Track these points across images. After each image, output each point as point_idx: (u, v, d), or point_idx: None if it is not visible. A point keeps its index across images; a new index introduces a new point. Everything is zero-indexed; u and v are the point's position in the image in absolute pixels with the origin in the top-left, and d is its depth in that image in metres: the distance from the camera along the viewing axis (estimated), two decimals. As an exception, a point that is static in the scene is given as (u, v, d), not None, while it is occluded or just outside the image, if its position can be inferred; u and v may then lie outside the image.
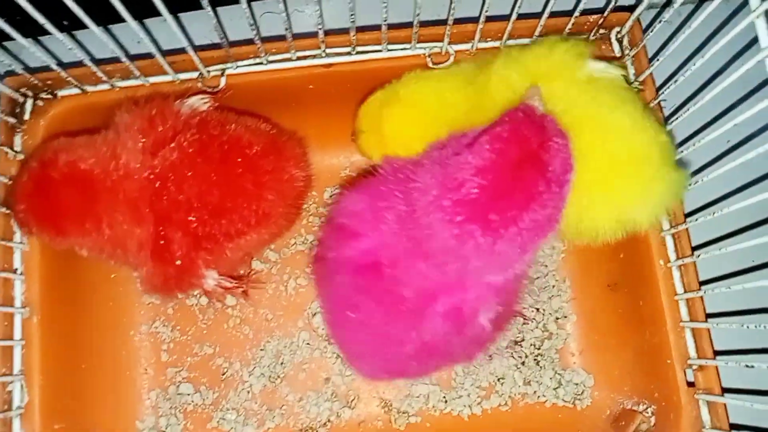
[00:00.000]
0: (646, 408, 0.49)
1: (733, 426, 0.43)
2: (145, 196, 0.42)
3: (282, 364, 0.53)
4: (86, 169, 0.42)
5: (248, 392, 0.52)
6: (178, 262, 0.42)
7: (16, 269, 0.46)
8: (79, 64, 0.46)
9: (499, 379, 0.53)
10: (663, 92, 0.45)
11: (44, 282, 0.47)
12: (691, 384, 0.45)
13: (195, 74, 0.48)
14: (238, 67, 0.48)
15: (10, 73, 0.47)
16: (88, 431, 0.49)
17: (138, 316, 0.53)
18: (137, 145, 0.42)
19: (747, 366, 0.39)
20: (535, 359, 0.54)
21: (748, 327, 0.39)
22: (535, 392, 0.53)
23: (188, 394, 0.52)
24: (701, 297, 0.45)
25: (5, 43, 0.51)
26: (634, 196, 0.41)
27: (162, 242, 0.42)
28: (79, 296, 0.50)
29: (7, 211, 0.46)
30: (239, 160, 0.43)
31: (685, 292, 0.46)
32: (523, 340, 0.54)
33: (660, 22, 0.43)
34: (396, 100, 0.46)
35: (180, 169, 0.42)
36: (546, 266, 0.55)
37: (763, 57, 0.34)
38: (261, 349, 0.53)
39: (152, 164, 0.42)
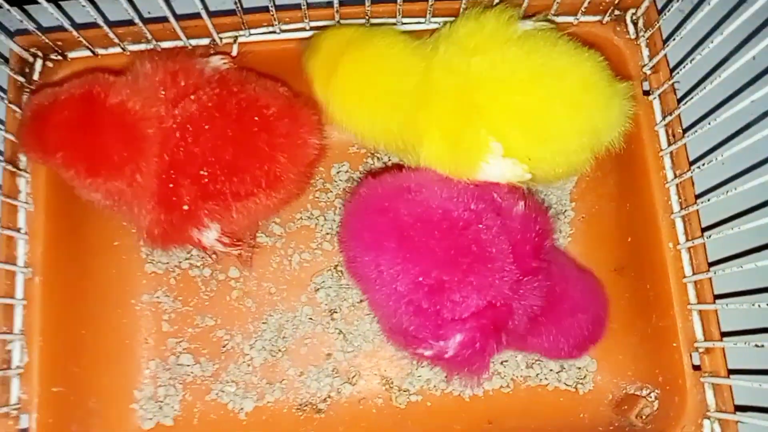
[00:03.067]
0: (650, 392, 0.49)
1: (739, 407, 0.43)
2: (167, 145, 0.42)
3: (284, 338, 0.52)
4: (134, 112, 0.42)
5: (249, 365, 0.52)
6: (186, 207, 0.42)
7: (20, 228, 0.46)
8: (91, 25, 0.45)
9: (502, 362, 0.53)
10: (677, 73, 0.45)
11: (48, 244, 0.46)
12: (696, 367, 0.45)
13: (207, 40, 0.48)
14: (251, 35, 0.48)
15: (22, 32, 0.46)
16: (85, 397, 0.48)
17: (140, 286, 0.52)
18: (158, 95, 0.42)
19: (757, 345, 0.39)
20: (538, 343, 0.54)
21: (759, 306, 0.39)
22: (537, 375, 0.53)
23: (188, 365, 0.52)
24: (710, 279, 0.45)
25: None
26: (596, 114, 0.42)
27: (171, 186, 0.42)
28: (82, 261, 0.50)
29: (13, 169, 0.45)
30: (255, 119, 0.42)
31: (694, 273, 0.45)
32: (527, 322, 0.53)
33: (676, 1, 0.43)
34: (363, 47, 0.45)
35: (198, 122, 0.42)
36: (552, 250, 0.54)
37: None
38: (263, 323, 0.52)
39: (173, 114, 0.42)
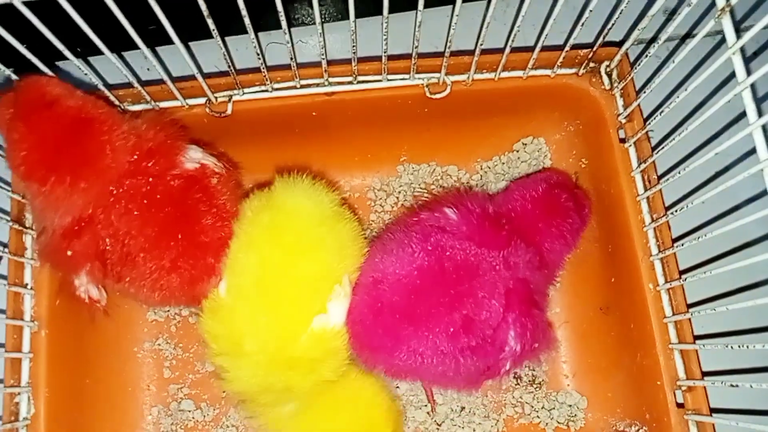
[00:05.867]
0: (638, 429, 0.50)
1: (721, 445, 0.44)
2: (98, 201, 0.43)
3: (281, 382, 0.54)
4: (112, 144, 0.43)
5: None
6: (69, 253, 0.43)
7: (27, 284, 0.48)
8: (92, 88, 0.48)
9: (494, 403, 0.54)
10: (650, 123, 0.47)
11: (52, 297, 0.48)
12: (680, 405, 0.46)
13: (203, 100, 0.50)
14: (244, 93, 0.51)
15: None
16: (90, 445, 0.50)
17: (141, 334, 0.54)
18: (130, 155, 0.44)
19: (732, 386, 0.40)
20: (529, 381, 0.55)
21: (732, 348, 0.40)
22: (529, 414, 0.54)
23: (189, 411, 0.53)
24: (689, 319, 0.46)
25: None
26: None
27: (76, 229, 0.43)
28: (86, 312, 0.51)
29: (19, 228, 0.48)
30: (179, 236, 0.44)
31: (674, 314, 0.47)
32: (517, 361, 0.55)
33: (646, 56, 0.45)
34: None
35: (134, 202, 0.43)
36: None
37: (740, 90, 0.36)
38: (261, 367, 0.54)
39: (122, 182, 0.43)
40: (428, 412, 0.54)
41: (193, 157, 0.46)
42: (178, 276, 0.44)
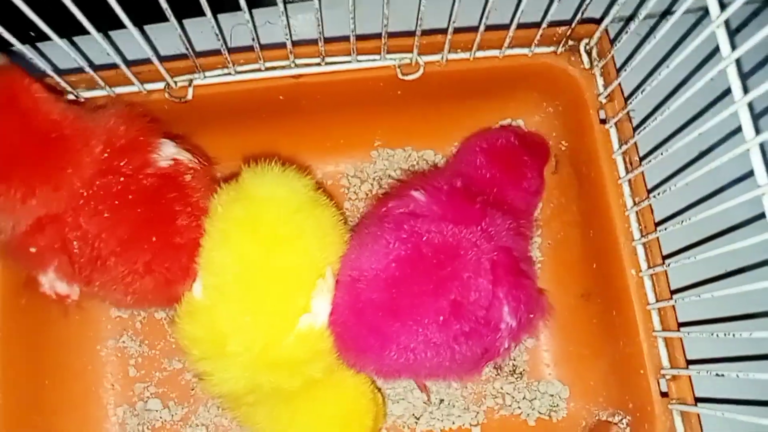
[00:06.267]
0: (621, 419, 0.49)
1: (706, 436, 0.43)
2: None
3: (253, 378, 0.52)
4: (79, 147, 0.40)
5: (218, 407, 0.51)
6: (33, 250, 0.41)
7: (-23, 284, 0.45)
8: (42, 74, 0.45)
9: (474, 393, 0.53)
10: (631, 102, 0.45)
11: (8, 294, 0.46)
12: (665, 394, 0.45)
13: (162, 85, 0.48)
14: (206, 77, 0.48)
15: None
16: (51, 450, 0.48)
17: (105, 331, 0.52)
18: (100, 153, 0.41)
19: (717, 375, 0.39)
20: (510, 371, 0.53)
21: (717, 336, 0.39)
22: (510, 405, 0.53)
23: (156, 410, 0.51)
24: (673, 306, 0.45)
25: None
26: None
27: (40, 225, 0.40)
28: (44, 309, 0.49)
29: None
30: (154, 239, 0.42)
31: (657, 301, 0.45)
32: (497, 351, 0.53)
33: (626, 33, 0.43)
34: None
35: (104, 202, 0.41)
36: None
37: (725, 66, 0.34)
38: (231, 364, 0.52)
39: (92, 182, 0.41)
40: (424, 402, 0.52)
41: (167, 153, 0.44)
42: (153, 279, 0.42)
